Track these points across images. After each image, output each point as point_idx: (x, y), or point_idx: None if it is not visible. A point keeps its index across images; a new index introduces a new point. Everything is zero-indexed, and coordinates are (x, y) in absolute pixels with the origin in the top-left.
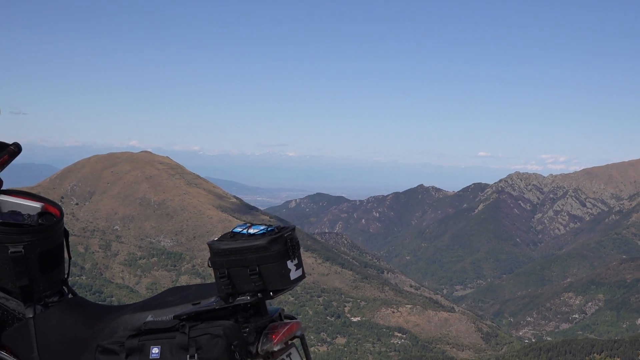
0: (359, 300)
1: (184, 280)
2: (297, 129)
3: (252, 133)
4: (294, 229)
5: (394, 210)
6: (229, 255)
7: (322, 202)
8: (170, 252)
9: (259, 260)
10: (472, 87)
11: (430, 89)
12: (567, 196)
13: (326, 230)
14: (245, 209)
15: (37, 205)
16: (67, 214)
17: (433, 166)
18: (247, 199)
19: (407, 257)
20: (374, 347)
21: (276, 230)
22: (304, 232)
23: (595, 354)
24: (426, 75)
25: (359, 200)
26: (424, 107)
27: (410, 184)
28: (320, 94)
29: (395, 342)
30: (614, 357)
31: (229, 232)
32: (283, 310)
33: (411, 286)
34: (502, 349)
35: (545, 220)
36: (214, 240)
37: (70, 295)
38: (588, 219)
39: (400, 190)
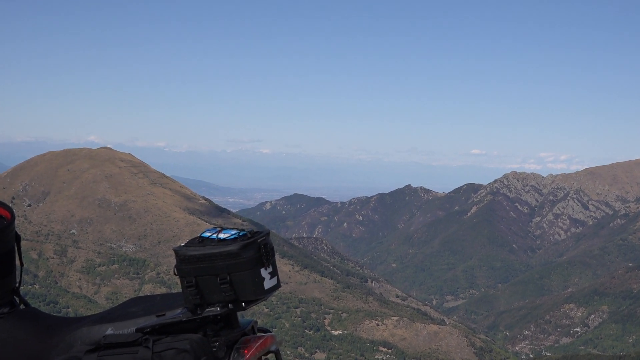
0: (340, 312)
1: (147, 290)
2: (273, 123)
3: (223, 128)
4: (268, 233)
5: (379, 213)
6: (197, 262)
7: (299, 203)
8: (132, 258)
9: (230, 268)
10: (464, 80)
11: (418, 82)
12: (568, 198)
13: (304, 235)
14: (216, 212)
15: None
16: (18, 216)
17: (421, 165)
18: (218, 200)
19: (393, 265)
20: None
21: (249, 235)
22: (279, 236)
23: None
24: (413, 67)
25: (341, 202)
26: (411, 101)
27: (397, 184)
28: (298, 86)
29: (380, 357)
30: None
31: (197, 237)
32: (256, 322)
33: (397, 296)
34: None
35: (545, 225)
36: (180, 246)
37: (22, 306)
38: (591, 223)
39: (386, 191)
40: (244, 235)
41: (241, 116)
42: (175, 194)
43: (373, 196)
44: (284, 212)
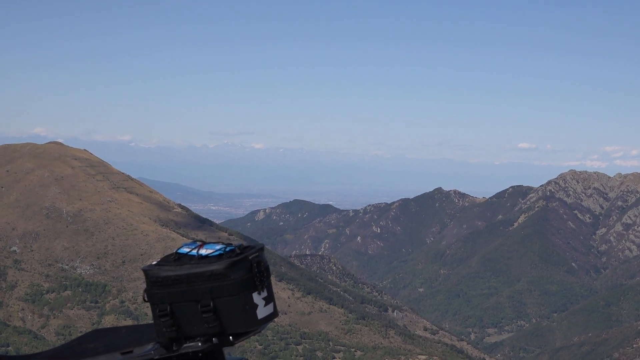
0: (353, 349)
1: (109, 322)
2: (267, 112)
3: (204, 117)
4: (262, 248)
5: (402, 223)
6: (173, 286)
7: (301, 212)
8: (89, 282)
9: (214, 292)
10: (507, 55)
11: (449, 59)
12: None
13: (307, 252)
14: (195, 223)
15: None
16: None
17: (455, 163)
18: (198, 208)
19: (420, 289)
20: None
21: (237, 251)
22: (276, 253)
23: None
24: (441, 40)
25: (353, 210)
26: (441, 83)
27: (424, 186)
28: (298, 65)
29: None
30: None
31: (172, 254)
32: None
33: (426, 329)
34: None
35: (612, 238)
36: (151, 265)
37: None
38: None
39: (410, 195)
40: (231, 251)
41: (227, 102)
42: (144, 200)
43: (394, 202)
44: (281, 223)
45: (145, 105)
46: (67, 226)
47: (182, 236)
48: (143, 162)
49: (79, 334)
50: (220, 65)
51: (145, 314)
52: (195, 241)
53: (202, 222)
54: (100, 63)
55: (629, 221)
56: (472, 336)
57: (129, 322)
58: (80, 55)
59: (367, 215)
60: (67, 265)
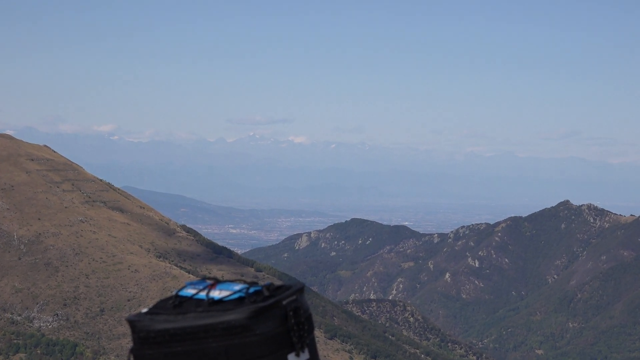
0: None
1: None
2: (311, 90)
3: (219, 100)
4: (301, 290)
5: (511, 253)
6: (172, 344)
7: (362, 237)
8: (52, 341)
9: (232, 353)
10: None
11: (584, 23)
12: None
13: (372, 296)
14: (207, 253)
15: None
16: None
17: (589, 164)
18: (211, 231)
19: (539, 351)
20: None
21: (266, 293)
22: (325, 298)
23: None
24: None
25: (439, 234)
26: (570, 52)
27: (544, 199)
28: (354, 33)
29: None
30: None
31: (171, 298)
32: None
33: None
34: None
35: None
36: (141, 315)
37: None
38: None
39: (523, 212)
40: (256, 293)
41: (252, 78)
42: (133, 220)
43: (499, 223)
44: (333, 254)
45: (134, 83)
46: (19, 258)
47: (188, 272)
48: (131, 164)
49: None
50: (244, 32)
51: None
52: (204, 279)
53: (217, 252)
54: (70, 28)
55: None
56: None
57: None
58: (42, 20)
59: (460, 242)
60: (20, 315)
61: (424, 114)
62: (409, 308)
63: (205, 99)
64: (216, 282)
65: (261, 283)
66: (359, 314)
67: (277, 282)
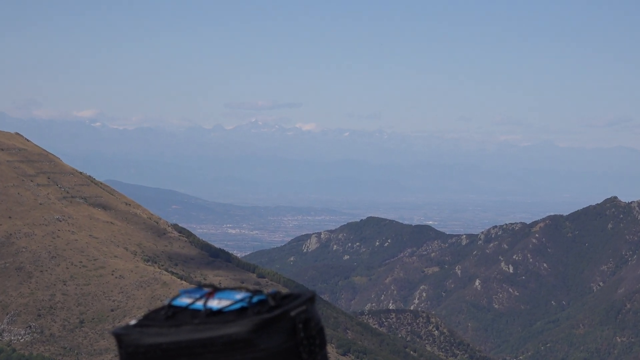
0: None
1: None
2: (321, 72)
3: (217, 81)
4: (312, 299)
5: (550, 257)
6: (165, 359)
7: (380, 238)
8: (25, 356)
9: None
10: None
11: None
12: None
13: (391, 305)
14: (203, 256)
15: None
16: None
17: None
18: (207, 231)
19: None
20: None
21: (271, 303)
22: (337, 308)
23: None
24: None
25: (467, 235)
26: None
27: (588, 196)
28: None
29: None
30: None
31: (163, 308)
32: None
33: None
34: None
35: None
36: (129, 327)
37: None
38: None
39: (564, 210)
40: (260, 302)
41: (255, 59)
42: (117, 218)
43: (537, 222)
44: (347, 257)
45: (119, 62)
46: None
47: (180, 279)
48: (115, 154)
49: None
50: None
51: None
52: (201, 286)
53: (213, 256)
54: (45, 1)
55: None
56: None
57: None
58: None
59: (492, 244)
60: None
61: (451, 98)
62: (433, 320)
63: (201, 80)
64: (214, 290)
65: (266, 291)
66: (376, 326)
67: (284, 290)
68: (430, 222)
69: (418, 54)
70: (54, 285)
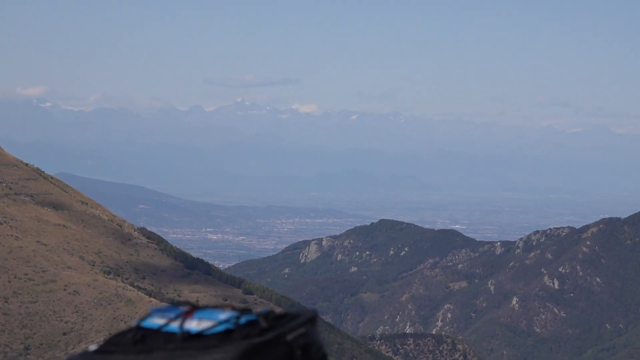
0: None
1: None
2: (324, 47)
3: (197, 52)
4: (312, 320)
5: (605, 269)
6: None
7: (395, 246)
8: None
9: None
10: None
11: None
12: None
13: (408, 329)
14: (178, 268)
15: None
16: None
17: None
18: (182, 237)
19: None
20: None
21: (263, 325)
22: (343, 332)
23: None
24: None
25: (502, 242)
26: None
27: None
28: None
29: None
30: None
31: (129, 330)
32: None
33: None
34: None
35: None
36: (87, 354)
37: None
38: None
39: (622, 212)
40: (249, 324)
41: (242, 26)
42: (71, 222)
43: (589, 226)
44: (353, 269)
45: (74, 30)
46: None
47: (149, 295)
48: (70, 142)
49: None
50: None
51: None
52: (176, 304)
53: (190, 267)
54: None
55: None
56: None
57: None
58: None
59: (533, 254)
60: None
61: (482, 75)
62: (460, 346)
63: (175, 52)
64: (193, 309)
65: (256, 310)
66: (390, 354)
67: (278, 310)
68: (457, 227)
69: (441, 18)
70: None
